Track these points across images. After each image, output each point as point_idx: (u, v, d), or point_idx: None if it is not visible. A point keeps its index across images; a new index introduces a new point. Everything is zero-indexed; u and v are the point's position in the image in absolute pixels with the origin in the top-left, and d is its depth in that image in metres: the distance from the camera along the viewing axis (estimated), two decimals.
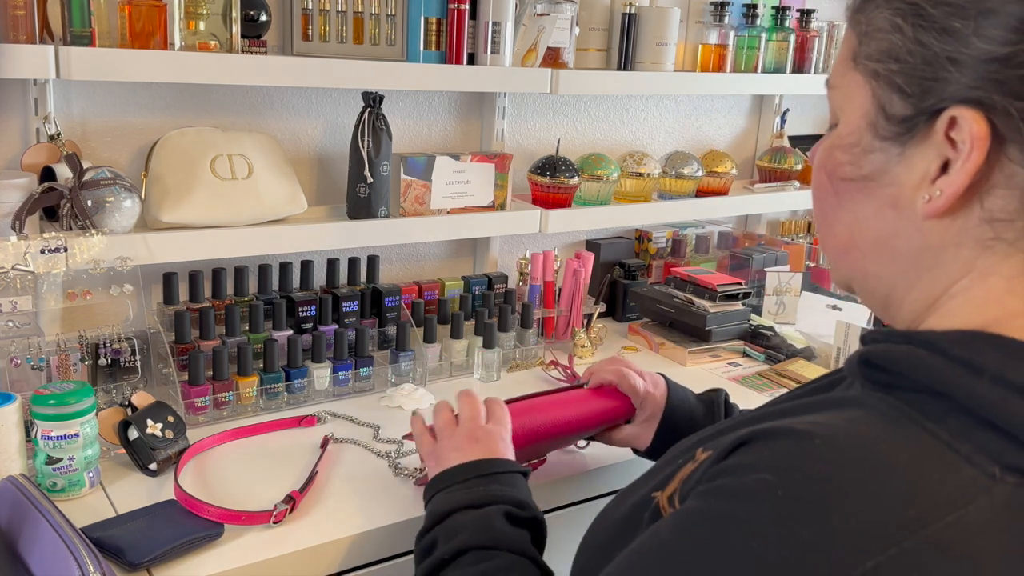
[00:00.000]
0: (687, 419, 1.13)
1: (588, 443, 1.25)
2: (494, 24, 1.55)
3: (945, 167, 0.59)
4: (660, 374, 1.19)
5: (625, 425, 1.17)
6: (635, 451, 1.18)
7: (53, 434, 1.08)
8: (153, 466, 1.16)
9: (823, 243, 0.71)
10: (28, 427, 1.11)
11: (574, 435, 1.18)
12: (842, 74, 0.66)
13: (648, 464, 0.90)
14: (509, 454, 0.99)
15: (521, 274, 1.75)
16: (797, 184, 2.15)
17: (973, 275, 0.61)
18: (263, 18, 1.43)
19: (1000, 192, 0.58)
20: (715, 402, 1.15)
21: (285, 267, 1.55)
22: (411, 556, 1.10)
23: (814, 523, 0.52)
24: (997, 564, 0.51)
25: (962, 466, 0.53)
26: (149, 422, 1.17)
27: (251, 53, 1.40)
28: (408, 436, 1.22)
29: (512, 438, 1.03)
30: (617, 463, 1.26)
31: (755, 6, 1.98)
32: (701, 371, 1.67)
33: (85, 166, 1.28)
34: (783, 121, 2.27)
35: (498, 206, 1.70)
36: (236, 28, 1.37)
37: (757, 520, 0.54)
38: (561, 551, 0.93)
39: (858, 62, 0.64)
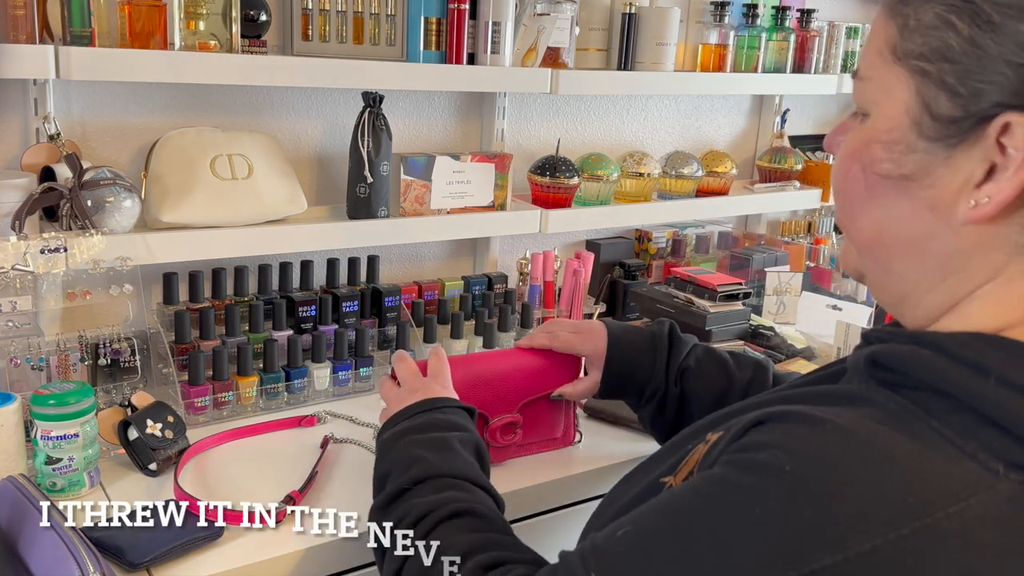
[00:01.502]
0: (629, 355, 1.12)
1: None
2: (494, 24, 1.55)
3: (990, 171, 0.58)
4: (603, 320, 1.18)
5: (582, 378, 1.19)
6: (597, 397, 1.18)
7: (53, 434, 1.08)
8: (153, 466, 1.16)
9: (846, 231, 0.69)
10: (28, 427, 1.11)
11: (522, 387, 1.18)
12: (877, 66, 0.63)
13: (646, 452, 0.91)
14: (449, 395, 1.02)
15: (521, 274, 1.75)
16: (797, 184, 2.15)
17: (1000, 279, 0.60)
18: (263, 18, 1.43)
19: None
20: (656, 334, 1.13)
21: (285, 267, 1.55)
22: None
23: (817, 503, 0.54)
24: (997, 557, 0.52)
25: (966, 462, 0.54)
26: (149, 422, 1.17)
27: (251, 53, 1.39)
28: None
29: (456, 386, 1.07)
30: (616, 463, 1.26)
31: (755, 6, 1.97)
32: None
33: (85, 166, 1.28)
34: (783, 121, 2.27)
35: (498, 206, 1.70)
36: (236, 28, 1.37)
37: (763, 492, 0.56)
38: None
39: (900, 57, 0.61)
